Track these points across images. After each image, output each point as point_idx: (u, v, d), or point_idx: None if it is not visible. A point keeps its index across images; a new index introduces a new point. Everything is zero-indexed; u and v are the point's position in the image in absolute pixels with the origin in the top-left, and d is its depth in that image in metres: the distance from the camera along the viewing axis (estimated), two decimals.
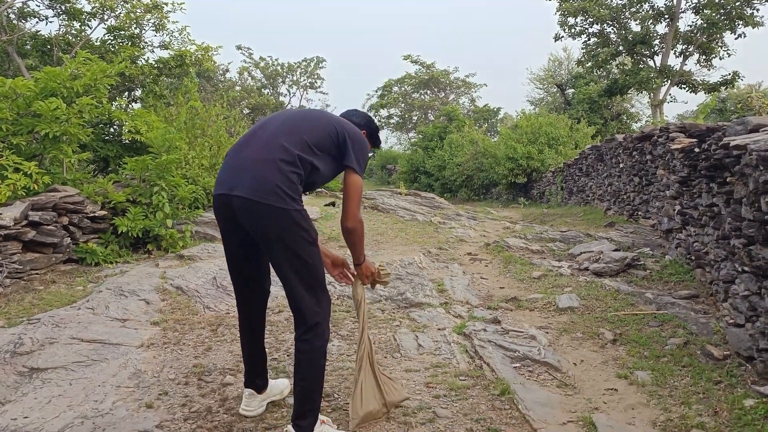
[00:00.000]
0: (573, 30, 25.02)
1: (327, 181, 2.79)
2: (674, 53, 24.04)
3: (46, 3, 13.43)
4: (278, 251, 2.52)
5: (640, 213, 9.17)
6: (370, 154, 3.30)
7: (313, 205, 10.66)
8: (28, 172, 5.86)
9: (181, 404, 3.09)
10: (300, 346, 2.60)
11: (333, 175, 2.77)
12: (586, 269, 6.14)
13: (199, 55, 12.67)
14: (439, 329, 4.33)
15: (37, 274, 5.49)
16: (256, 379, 2.99)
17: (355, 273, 3.01)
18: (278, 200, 2.43)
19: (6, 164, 5.78)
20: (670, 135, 7.00)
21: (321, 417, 2.70)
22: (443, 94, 40.02)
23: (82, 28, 13.84)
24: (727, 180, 3.98)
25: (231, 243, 2.75)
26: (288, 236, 2.47)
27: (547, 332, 4.28)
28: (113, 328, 4.19)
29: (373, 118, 3.12)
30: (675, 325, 4.18)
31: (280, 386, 3.17)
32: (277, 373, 3.45)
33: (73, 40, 13.47)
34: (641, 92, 25.75)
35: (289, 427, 2.60)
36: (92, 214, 6.30)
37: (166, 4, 13.23)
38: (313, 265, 2.57)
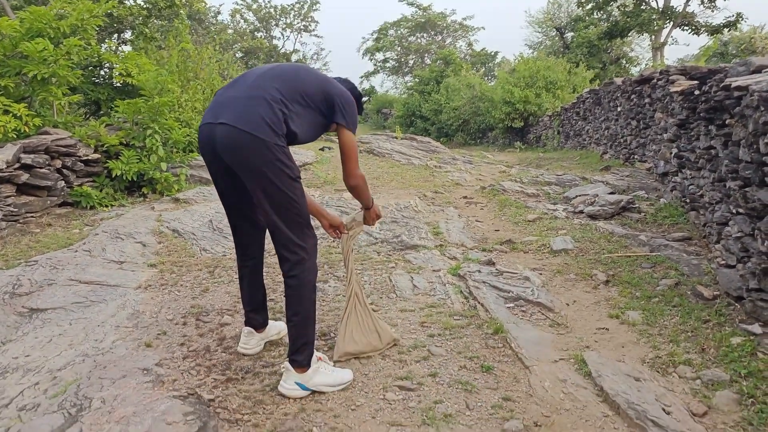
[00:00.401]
0: None
1: (311, 137, 2.72)
2: None
3: None
4: (260, 186, 2.47)
5: (636, 157, 9.15)
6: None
7: (308, 149, 10.59)
8: (18, 114, 5.77)
9: (179, 343, 3.14)
10: (289, 282, 2.59)
11: (317, 131, 2.73)
12: (581, 212, 6.17)
13: None
14: (434, 271, 4.38)
15: (32, 217, 5.49)
16: (256, 317, 3.01)
17: (349, 230, 3.04)
18: (262, 132, 2.38)
19: None
20: (670, 77, 6.91)
21: (317, 354, 2.74)
22: (440, 38, 39.22)
23: None
24: (726, 122, 3.94)
25: (218, 176, 2.70)
26: (270, 170, 2.42)
27: (540, 274, 4.33)
28: (110, 270, 4.22)
29: (356, 86, 3.10)
30: (667, 266, 4.23)
31: (279, 326, 3.19)
32: (274, 313, 3.50)
33: None
34: (642, 34, 25.27)
35: (286, 363, 2.64)
36: (85, 158, 6.26)
37: None
38: (296, 201, 2.52)
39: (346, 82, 2.99)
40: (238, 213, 2.84)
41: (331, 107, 2.66)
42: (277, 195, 2.47)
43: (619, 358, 2.96)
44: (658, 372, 2.81)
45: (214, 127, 2.47)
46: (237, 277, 3.02)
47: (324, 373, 2.68)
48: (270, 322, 3.14)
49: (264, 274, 3.10)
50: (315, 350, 2.72)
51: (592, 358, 2.92)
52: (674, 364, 2.86)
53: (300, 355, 2.61)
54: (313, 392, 2.62)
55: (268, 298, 3.19)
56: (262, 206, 2.52)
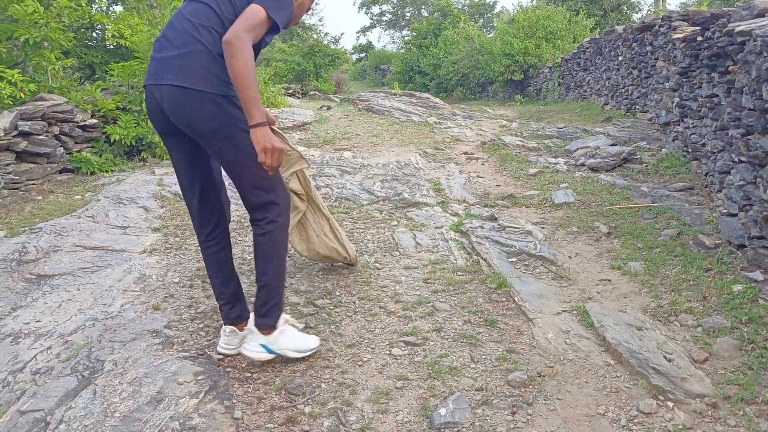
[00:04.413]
0: None
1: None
2: None
3: None
4: (217, 149, 2.30)
5: (638, 107, 9.06)
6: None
7: (307, 108, 10.50)
8: (12, 80, 5.70)
9: (187, 305, 3.18)
10: (259, 239, 2.43)
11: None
12: (583, 165, 6.15)
13: None
14: (436, 227, 4.40)
15: (33, 184, 5.49)
16: (232, 310, 2.64)
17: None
18: (212, 85, 2.21)
19: None
20: (673, 24, 6.79)
21: (284, 315, 2.61)
22: None
23: None
24: (729, 69, 3.89)
25: (172, 145, 2.45)
26: (224, 131, 2.25)
27: (542, 227, 4.34)
28: (115, 236, 4.24)
29: None
30: (669, 216, 4.24)
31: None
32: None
33: None
34: None
35: (251, 324, 2.53)
36: (83, 123, 6.20)
37: None
38: (257, 158, 2.28)
39: None
40: (199, 192, 2.52)
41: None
42: (237, 155, 2.31)
43: (621, 308, 2.99)
44: (659, 321, 2.85)
45: (160, 90, 2.27)
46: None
47: (290, 336, 2.55)
48: (251, 314, 2.74)
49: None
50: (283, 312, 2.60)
51: (595, 309, 2.96)
52: (676, 313, 2.90)
53: (268, 318, 2.48)
54: (279, 355, 2.53)
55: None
56: (225, 168, 2.39)
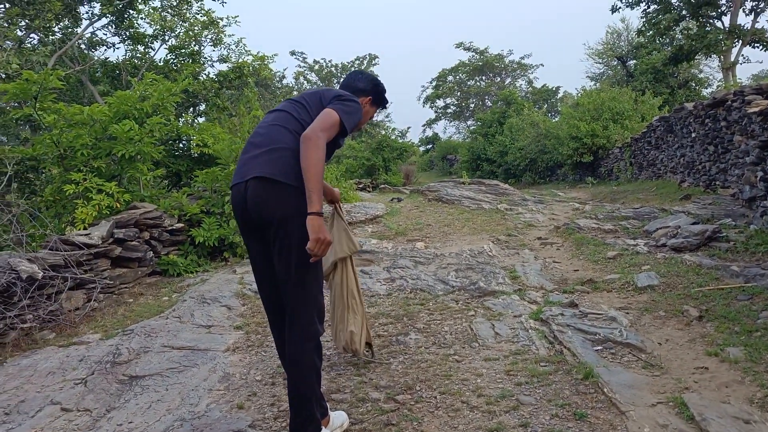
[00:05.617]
0: None
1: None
2: (743, 11, 22.68)
3: (112, 30, 14.16)
4: (281, 235, 2.38)
5: (717, 183, 8.77)
6: (379, 110, 3.10)
7: (378, 201, 10.76)
8: (110, 192, 6.21)
9: (269, 404, 3.21)
10: (293, 350, 2.46)
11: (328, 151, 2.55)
12: (664, 245, 5.93)
13: (256, 65, 13.01)
14: (515, 316, 4.30)
15: (126, 287, 5.82)
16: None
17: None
18: (292, 178, 2.36)
19: (90, 186, 6.15)
20: (746, 98, 6.67)
21: (325, 430, 2.57)
22: (499, 79, 39.39)
23: (146, 50, 14.53)
24: None
25: (253, 246, 2.61)
26: (294, 219, 2.35)
27: (627, 313, 4.17)
28: (200, 335, 4.40)
29: (379, 79, 3.00)
30: (766, 297, 3.98)
31: (341, 418, 2.82)
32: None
33: (139, 63, 14.13)
34: (710, 56, 24.46)
35: None
36: (170, 227, 6.62)
37: (222, 19, 13.68)
38: (315, 265, 2.45)
39: (367, 81, 2.93)
40: (276, 295, 2.64)
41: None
42: (293, 248, 2.39)
43: (724, 399, 2.79)
44: None
45: (246, 185, 2.43)
46: (282, 362, 2.77)
47: None
48: (330, 413, 2.78)
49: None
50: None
51: (694, 400, 2.78)
52: None
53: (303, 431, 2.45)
54: None
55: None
56: (281, 261, 2.43)
